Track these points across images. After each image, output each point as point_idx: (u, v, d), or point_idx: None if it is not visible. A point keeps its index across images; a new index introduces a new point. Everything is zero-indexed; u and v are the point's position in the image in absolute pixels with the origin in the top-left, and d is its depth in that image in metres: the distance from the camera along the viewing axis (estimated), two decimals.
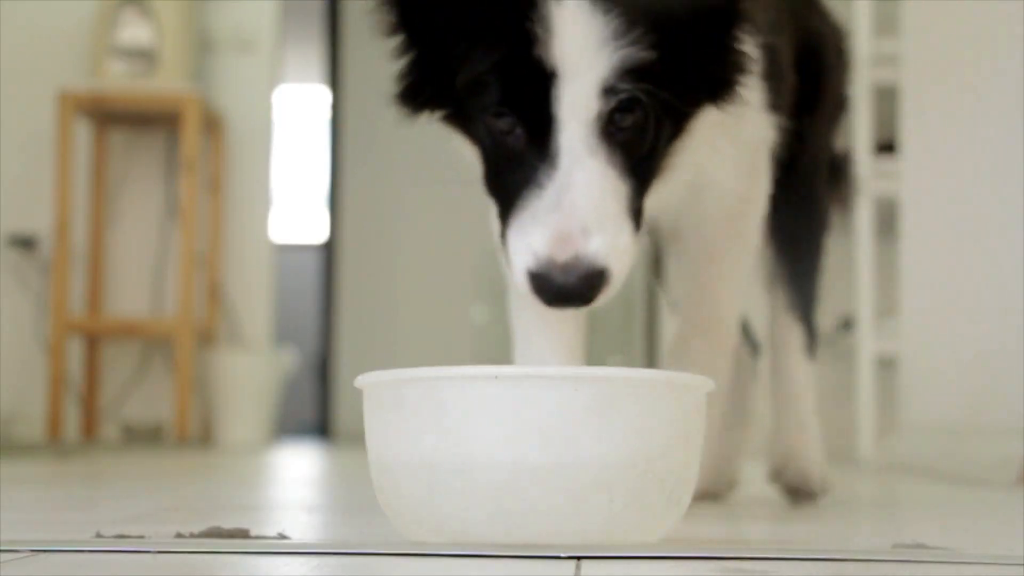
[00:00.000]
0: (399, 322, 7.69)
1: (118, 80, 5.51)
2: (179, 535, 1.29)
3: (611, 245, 1.38)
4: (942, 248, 3.65)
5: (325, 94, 8.39)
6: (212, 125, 5.86)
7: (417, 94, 1.53)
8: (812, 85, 2.14)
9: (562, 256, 1.37)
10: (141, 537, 1.28)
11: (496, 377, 1.15)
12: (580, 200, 1.38)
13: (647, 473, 1.16)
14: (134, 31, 5.52)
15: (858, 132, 4.67)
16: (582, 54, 1.38)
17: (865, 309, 4.74)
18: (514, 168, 1.43)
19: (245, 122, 6.08)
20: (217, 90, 6.00)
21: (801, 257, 2.29)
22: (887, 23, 4.62)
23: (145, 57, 5.53)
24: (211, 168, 5.93)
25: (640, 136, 1.45)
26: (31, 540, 1.24)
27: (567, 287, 1.37)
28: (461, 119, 1.53)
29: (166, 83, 5.53)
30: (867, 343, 4.73)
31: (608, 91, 1.40)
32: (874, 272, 4.69)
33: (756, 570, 1.11)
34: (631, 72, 1.40)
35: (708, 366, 1.81)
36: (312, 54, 8.70)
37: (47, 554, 1.16)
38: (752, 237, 1.88)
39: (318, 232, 8.66)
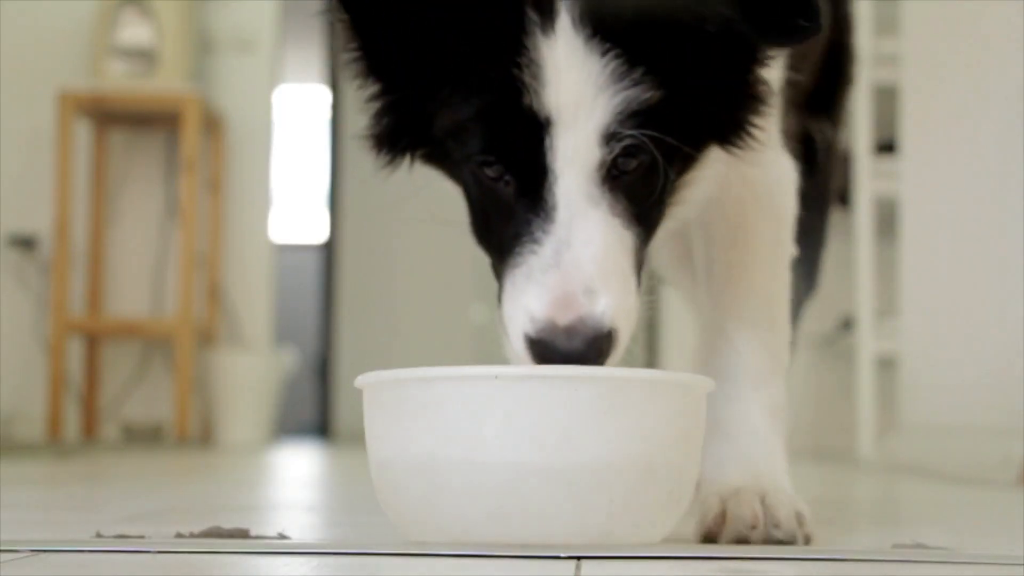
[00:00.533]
0: (399, 322, 7.69)
1: (118, 80, 5.51)
2: (179, 535, 1.29)
3: (618, 305, 1.25)
4: (942, 248, 3.65)
5: (325, 94, 8.40)
6: (212, 125, 5.86)
7: (394, 138, 1.40)
8: (832, 82, 2.08)
9: (564, 319, 1.22)
10: (141, 537, 1.28)
11: (496, 377, 1.15)
12: (582, 256, 1.25)
13: (647, 473, 1.16)
14: (134, 31, 5.52)
15: (858, 132, 4.67)
16: (579, 101, 1.26)
17: (865, 309, 4.74)
18: (505, 219, 1.30)
19: (245, 122, 6.08)
20: (217, 90, 6.00)
21: (805, 252, 2.23)
22: (887, 23, 4.62)
23: (145, 57, 5.53)
24: (211, 168, 5.93)
25: (645, 182, 1.32)
26: (31, 540, 1.24)
27: (572, 353, 1.22)
28: (444, 160, 1.40)
29: (166, 83, 5.53)
30: (867, 343, 4.73)
31: (609, 137, 1.27)
32: (874, 272, 4.69)
33: (756, 570, 1.11)
34: (634, 115, 1.27)
35: (760, 362, 1.57)
36: (312, 54, 8.70)
37: (47, 554, 1.16)
38: (789, 214, 1.67)
39: (318, 232, 8.66)
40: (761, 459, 1.48)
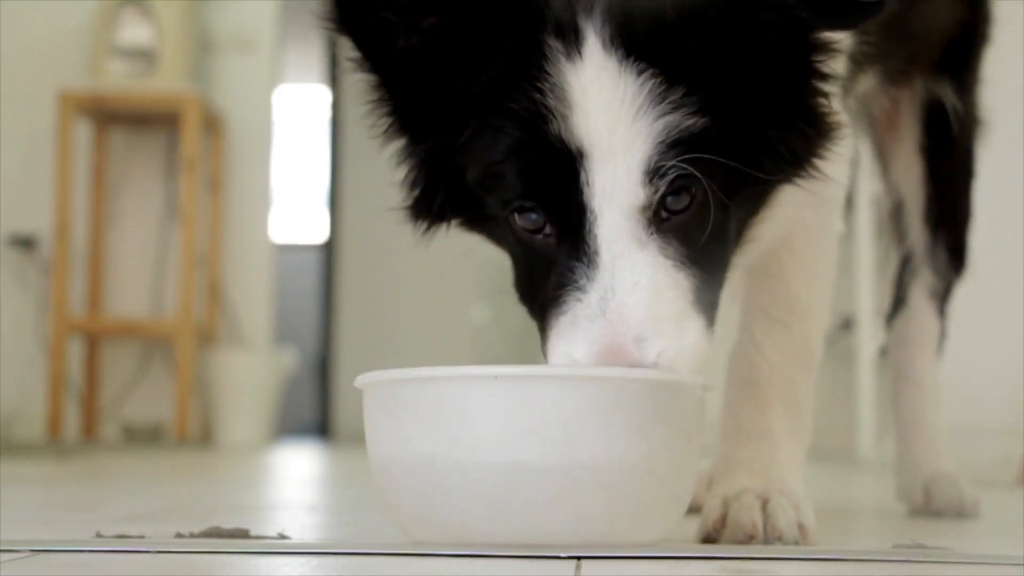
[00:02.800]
0: (399, 322, 7.69)
1: (118, 80, 5.51)
2: (179, 535, 1.29)
3: (675, 349, 1.17)
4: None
5: (325, 94, 8.40)
6: (212, 125, 5.86)
7: (430, 202, 1.31)
8: (964, 41, 1.97)
9: None
10: (141, 537, 1.28)
11: (496, 377, 1.15)
12: (629, 303, 1.16)
13: (647, 473, 1.15)
14: (134, 31, 5.52)
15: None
16: (614, 127, 1.16)
17: (865, 309, 4.74)
18: (547, 270, 1.21)
19: (245, 122, 6.08)
20: (217, 90, 6.00)
21: (957, 235, 2.09)
22: None
23: (145, 57, 5.53)
24: (211, 168, 5.93)
25: (699, 219, 1.20)
26: (31, 540, 1.25)
27: None
28: (483, 222, 1.31)
29: (166, 83, 5.53)
30: (867, 343, 4.73)
31: (654, 172, 1.16)
32: (874, 272, 4.69)
33: (756, 570, 1.11)
34: (679, 144, 1.16)
35: (785, 364, 1.49)
36: (312, 54, 8.70)
37: (47, 554, 1.16)
38: (835, 211, 1.55)
39: (318, 232, 8.66)
40: (773, 463, 1.42)
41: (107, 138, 5.89)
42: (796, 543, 1.32)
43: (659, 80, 1.16)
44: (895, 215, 2.12)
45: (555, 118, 1.16)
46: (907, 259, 2.10)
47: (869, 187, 4.62)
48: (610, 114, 1.16)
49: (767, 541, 1.32)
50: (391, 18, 1.23)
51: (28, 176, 5.74)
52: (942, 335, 2.13)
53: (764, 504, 1.34)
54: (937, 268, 2.09)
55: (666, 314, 1.17)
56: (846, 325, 5.14)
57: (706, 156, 1.17)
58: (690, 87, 1.16)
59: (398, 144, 1.31)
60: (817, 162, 1.26)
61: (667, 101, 1.16)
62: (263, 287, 6.11)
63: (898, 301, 2.13)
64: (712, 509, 1.36)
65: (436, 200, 1.31)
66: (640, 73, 1.16)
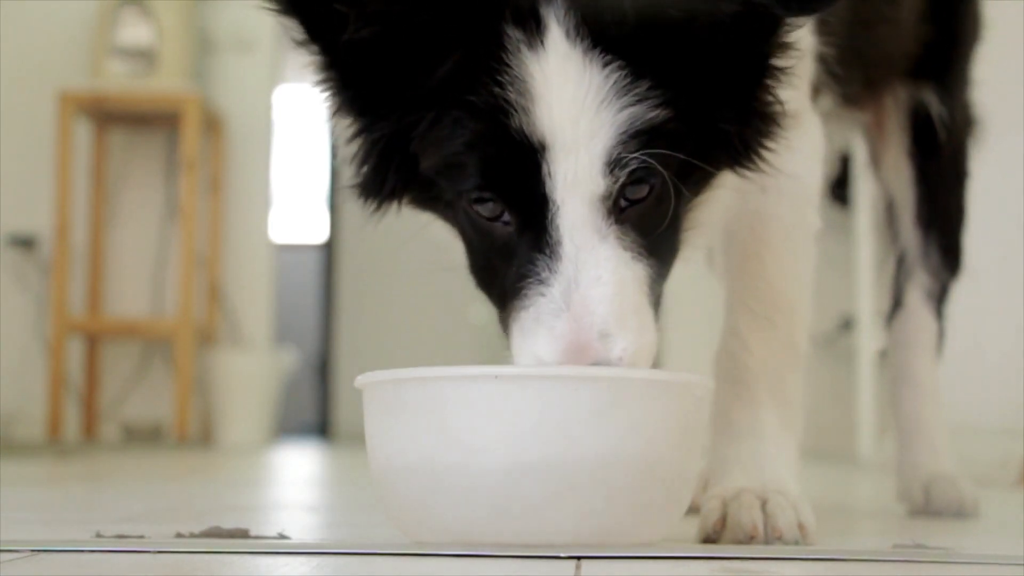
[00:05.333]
0: (399, 322, 7.69)
1: (118, 80, 5.51)
2: (179, 535, 1.29)
3: (636, 346, 1.16)
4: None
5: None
6: (212, 125, 5.86)
7: (381, 182, 1.29)
8: (944, 43, 1.97)
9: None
10: (141, 537, 1.28)
11: (496, 377, 1.15)
12: (593, 297, 1.15)
13: (647, 473, 1.15)
14: (134, 31, 5.52)
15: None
16: (577, 119, 1.14)
17: (865, 309, 4.74)
18: (506, 259, 1.21)
19: (245, 122, 6.08)
20: (217, 90, 6.00)
21: (950, 235, 2.10)
22: None
23: (145, 57, 5.53)
24: (211, 168, 5.93)
25: (656, 209, 1.21)
26: (31, 540, 1.24)
27: None
28: (435, 203, 1.29)
29: (166, 83, 5.53)
30: (867, 343, 4.73)
31: (615, 163, 1.15)
32: (874, 272, 4.69)
33: (756, 570, 1.11)
34: (640, 135, 1.15)
35: (771, 359, 1.47)
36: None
37: (47, 554, 1.16)
38: (810, 207, 1.54)
39: (318, 232, 8.66)
40: (767, 461, 1.42)
41: (107, 138, 5.89)
42: (796, 543, 1.32)
43: (625, 73, 1.15)
44: (888, 216, 2.13)
45: (516, 111, 1.15)
46: (901, 260, 2.11)
47: (869, 187, 4.63)
48: (574, 106, 1.14)
49: (767, 541, 1.31)
50: (341, 8, 1.21)
51: (28, 176, 5.74)
52: (940, 336, 2.13)
53: (763, 504, 1.34)
54: (931, 269, 2.09)
55: (628, 309, 1.17)
56: (846, 325, 5.14)
57: (667, 151, 1.17)
58: (654, 80, 1.16)
59: (347, 122, 1.29)
60: (765, 154, 1.27)
61: (631, 93, 1.15)
62: (263, 287, 6.10)
63: (896, 303, 2.14)
64: (711, 510, 1.36)
65: (387, 181, 1.28)
66: (606, 65, 1.15)
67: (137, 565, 1.10)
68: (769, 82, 1.25)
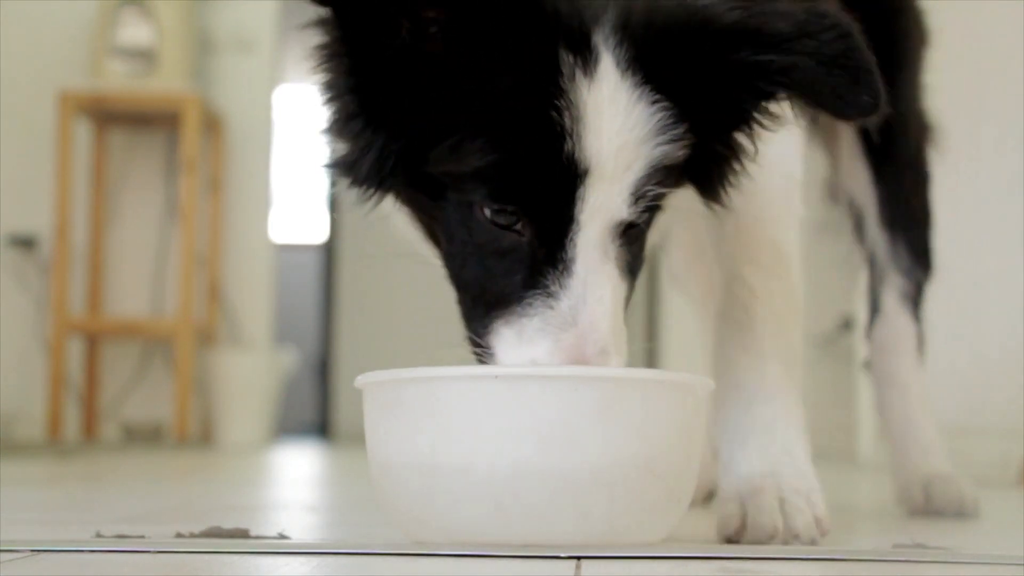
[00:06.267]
0: (399, 322, 7.69)
1: (118, 80, 5.51)
2: (179, 535, 1.29)
3: (622, 362, 1.23)
4: (942, 249, 3.65)
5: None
6: (212, 125, 5.86)
7: (380, 179, 1.29)
8: (888, 47, 1.94)
9: None
10: (141, 537, 1.28)
11: (496, 377, 1.15)
12: (597, 315, 1.20)
13: (648, 473, 1.15)
14: (134, 31, 5.52)
15: None
16: (621, 151, 1.19)
17: (865, 309, 4.73)
18: (509, 267, 1.23)
19: (245, 122, 6.08)
20: (217, 90, 6.00)
21: (917, 236, 2.12)
22: None
23: (145, 57, 5.53)
24: (211, 168, 5.93)
25: (644, 233, 1.29)
26: (31, 540, 1.24)
27: None
28: (424, 200, 1.30)
29: (166, 83, 5.53)
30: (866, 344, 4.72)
31: (639, 195, 1.21)
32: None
33: (756, 570, 1.11)
34: (662, 170, 1.22)
35: (777, 305, 1.50)
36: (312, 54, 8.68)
37: (47, 554, 1.16)
38: (792, 187, 1.57)
39: (318, 232, 8.66)
40: (776, 431, 1.43)
41: (107, 138, 5.89)
42: (813, 542, 1.33)
43: (669, 114, 1.20)
44: (854, 218, 2.15)
45: (565, 134, 1.17)
46: (872, 263, 2.13)
47: None
48: (620, 137, 1.18)
49: (786, 542, 1.33)
50: (394, 12, 1.20)
51: (28, 176, 5.74)
52: (920, 338, 2.14)
53: (781, 504, 1.35)
54: (902, 270, 2.12)
55: (618, 328, 1.22)
56: (846, 325, 5.14)
57: (676, 188, 1.24)
58: (691, 123, 1.21)
59: (350, 117, 1.28)
60: (728, 189, 1.33)
61: (669, 133, 1.20)
62: (263, 287, 6.10)
63: (874, 310, 2.16)
64: (731, 514, 1.37)
65: (388, 178, 1.29)
66: (654, 103, 1.19)
67: (137, 565, 1.10)
68: (750, 127, 1.30)
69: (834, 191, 2.23)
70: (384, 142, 1.26)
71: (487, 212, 1.23)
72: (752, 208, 1.51)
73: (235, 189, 6.07)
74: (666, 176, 1.22)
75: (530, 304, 1.21)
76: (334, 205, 7.91)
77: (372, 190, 1.31)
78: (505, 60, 1.19)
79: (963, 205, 3.47)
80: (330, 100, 1.29)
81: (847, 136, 2.08)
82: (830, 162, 2.14)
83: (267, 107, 6.17)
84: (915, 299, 2.13)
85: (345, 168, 1.31)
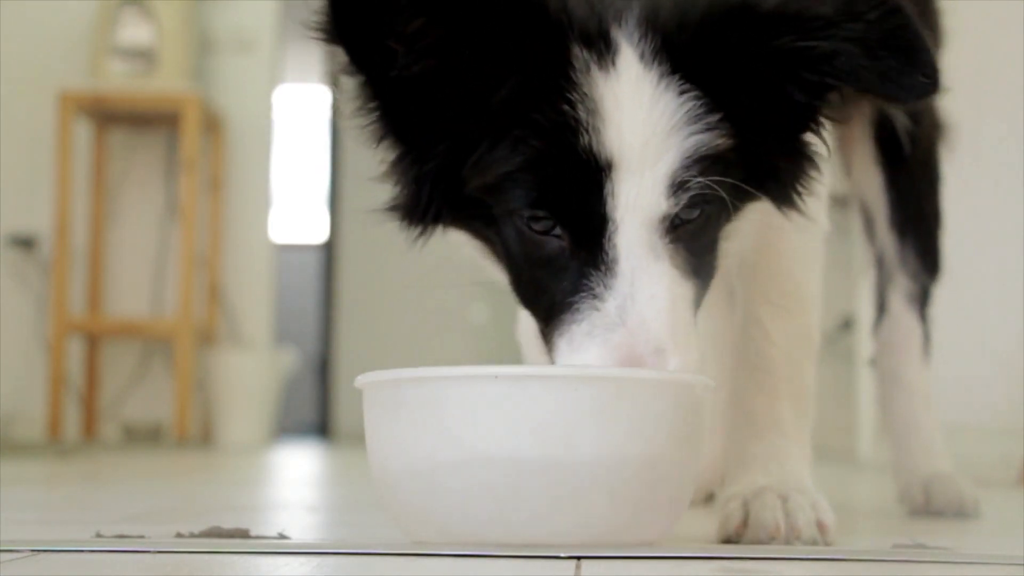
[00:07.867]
0: (399, 322, 7.69)
1: (118, 80, 5.51)
2: (179, 535, 1.29)
3: (687, 363, 1.18)
4: (941, 248, 3.65)
5: (325, 94, 8.39)
6: (212, 125, 5.86)
7: (425, 207, 1.28)
8: None
9: None
10: (141, 537, 1.28)
11: (496, 377, 1.15)
12: (649, 314, 1.16)
13: (647, 473, 1.15)
14: (134, 31, 5.52)
15: None
16: (647, 143, 1.16)
17: (865, 309, 4.73)
18: (556, 274, 1.21)
19: (245, 122, 6.08)
20: (217, 90, 5.99)
21: (926, 239, 2.12)
22: None
23: (145, 57, 5.53)
24: (211, 168, 5.93)
25: (705, 232, 1.24)
26: (31, 540, 1.24)
27: None
28: (476, 221, 1.28)
29: (166, 83, 5.53)
30: (867, 343, 4.72)
31: (677, 186, 1.17)
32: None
33: (756, 570, 1.11)
34: (701, 160, 1.17)
35: (791, 348, 1.49)
36: (312, 54, 8.70)
37: (47, 554, 1.16)
38: (819, 205, 1.52)
39: (318, 232, 8.66)
40: (787, 458, 1.43)
41: (107, 138, 5.89)
42: (815, 542, 1.32)
43: (700, 103, 1.17)
44: (864, 220, 2.15)
45: (583, 130, 1.15)
46: (880, 264, 2.13)
47: None
48: (645, 128, 1.16)
49: (787, 541, 1.32)
50: (394, 46, 1.20)
51: (28, 176, 5.74)
52: (926, 338, 2.14)
53: (784, 503, 1.34)
54: (910, 272, 2.12)
55: (679, 327, 1.18)
56: (846, 325, 5.14)
57: (724, 178, 1.18)
58: (726, 110, 1.18)
59: (389, 149, 1.28)
60: (801, 194, 1.30)
61: (702, 122, 1.17)
62: (263, 287, 6.10)
63: (880, 309, 2.16)
64: (733, 512, 1.36)
65: (432, 205, 1.28)
66: (682, 93, 1.17)
67: (137, 565, 1.10)
68: (816, 125, 1.27)
69: (844, 197, 2.22)
70: (418, 170, 1.25)
71: (525, 220, 1.21)
72: (774, 246, 1.50)
73: (235, 189, 6.07)
74: (710, 166, 1.18)
75: (578, 309, 1.19)
76: (334, 205, 7.93)
77: (422, 223, 1.30)
78: (509, 63, 1.18)
79: (963, 205, 3.47)
80: (378, 145, 1.28)
81: (862, 141, 2.08)
82: (842, 166, 2.14)
83: (267, 107, 6.16)
84: (922, 300, 2.14)
85: (395, 208, 1.30)
